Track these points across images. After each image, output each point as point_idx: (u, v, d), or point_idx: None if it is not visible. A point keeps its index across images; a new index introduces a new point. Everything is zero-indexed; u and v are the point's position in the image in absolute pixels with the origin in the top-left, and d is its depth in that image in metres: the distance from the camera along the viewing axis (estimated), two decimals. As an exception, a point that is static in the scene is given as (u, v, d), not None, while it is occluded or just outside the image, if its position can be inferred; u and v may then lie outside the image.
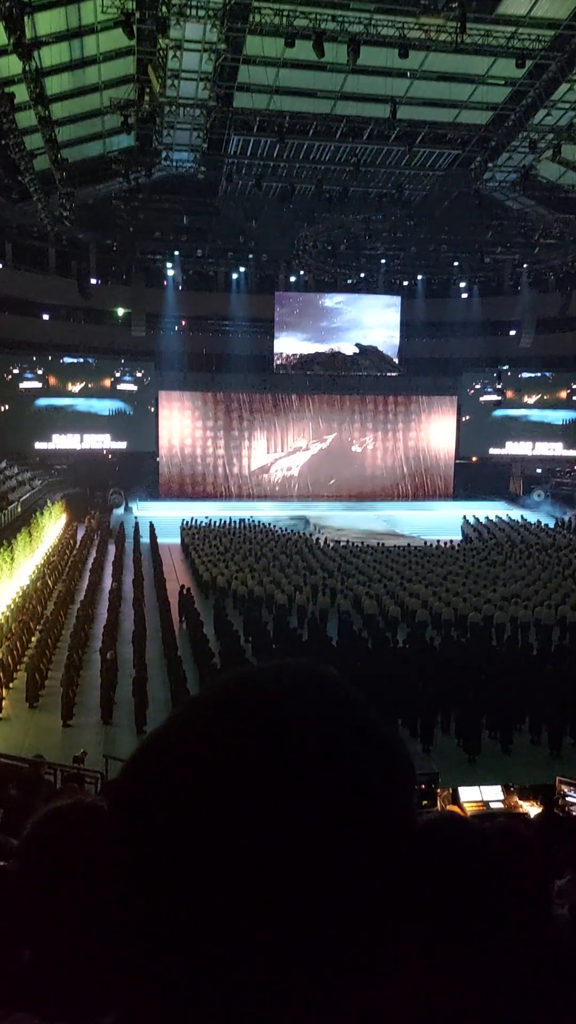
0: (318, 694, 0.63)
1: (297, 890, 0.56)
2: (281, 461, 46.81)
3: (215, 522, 36.37)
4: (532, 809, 9.43)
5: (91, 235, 39.78)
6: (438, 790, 10.09)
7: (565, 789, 10.04)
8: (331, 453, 47.17)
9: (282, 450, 46.73)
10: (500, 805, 9.78)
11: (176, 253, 42.15)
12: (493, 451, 47.34)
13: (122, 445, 44.26)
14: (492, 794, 10.08)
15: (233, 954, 0.55)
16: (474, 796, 10.01)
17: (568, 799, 9.86)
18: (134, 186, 34.69)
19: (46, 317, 42.79)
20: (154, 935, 0.57)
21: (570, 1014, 1.20)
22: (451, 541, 33.53)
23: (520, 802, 9.92)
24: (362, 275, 45.55)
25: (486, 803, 9.86)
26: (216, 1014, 0.57)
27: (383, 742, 0.63)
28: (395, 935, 0.61)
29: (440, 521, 39.14)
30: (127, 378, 43.90)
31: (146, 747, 0.63)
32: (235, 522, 36.39)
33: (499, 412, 46.77)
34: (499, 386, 45.82)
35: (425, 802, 9.75)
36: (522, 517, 39.24)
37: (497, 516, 39.76)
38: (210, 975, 0.56)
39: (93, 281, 42.61)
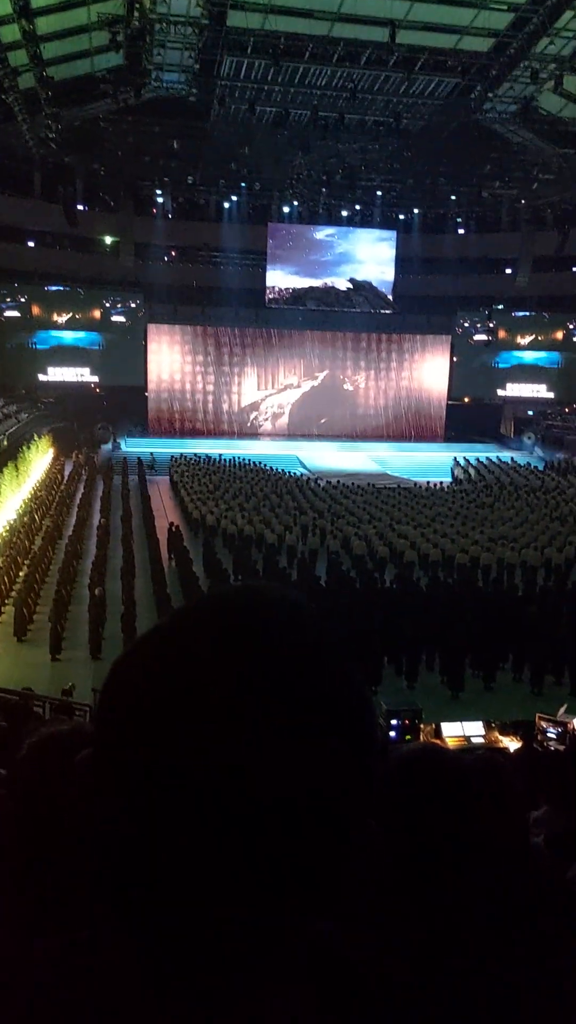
0: (289, 617, 0.64)
1: (267, 809, 0.56)
2: (272, 398, 46.35)
3: (203, 458, 36.23)
4: (512, 744, 9.67)
5: (77, 158, 38.39)
6: (421, 725, 10.32)
7: (544, 725, 10.29)
8: (322, 391, 46.71)
9: (272, 387, 46.23)
10: (481, 740, 10.03)
11: (166, 179, 40.90)
12: (485, 393, 47.02)
13: (110, 379, 43.68)
14: (474, 729, 10.34)
15: (200, 867, 0.56)
16: (456, 731, 10.26)
17: (547, 735, 10.11)
18: (123, 107, 33.39)
19: (31, 244, 41.67)
20: (125, 849, 0.58)
21: (547, 940, 1.23)
22: (441, 482, 33.58)
23: (501, 737, 10.17)
24: (357, 207, 44.42)
25: (468, 738, 10.11)
26: (185, 927, 0.58)
27: (344, 666, 0.64)
28: (367, 858, 0.62)
29: (431, 462, 39.14)
30: (116, 310, 43.07)
31: (121, 666, 0.63)
32: (225, 460, 36.24)
33: (492, 354, 46.32)
34: (491, 325, 45.19)
35: (408, 737, 9.99)
36: (512, 459, 39.26)
37: (487, 458, 39.77)
38: (179, 890, 0.57)
39: (80, 207, 41.36)
